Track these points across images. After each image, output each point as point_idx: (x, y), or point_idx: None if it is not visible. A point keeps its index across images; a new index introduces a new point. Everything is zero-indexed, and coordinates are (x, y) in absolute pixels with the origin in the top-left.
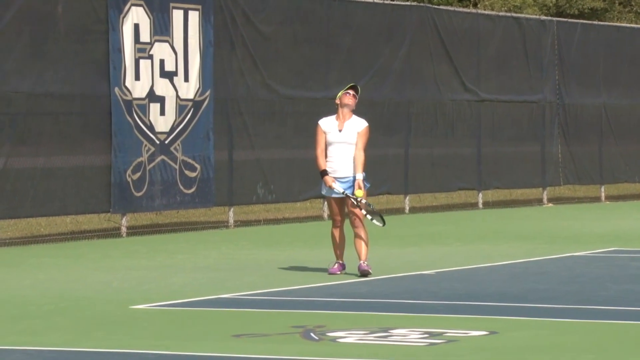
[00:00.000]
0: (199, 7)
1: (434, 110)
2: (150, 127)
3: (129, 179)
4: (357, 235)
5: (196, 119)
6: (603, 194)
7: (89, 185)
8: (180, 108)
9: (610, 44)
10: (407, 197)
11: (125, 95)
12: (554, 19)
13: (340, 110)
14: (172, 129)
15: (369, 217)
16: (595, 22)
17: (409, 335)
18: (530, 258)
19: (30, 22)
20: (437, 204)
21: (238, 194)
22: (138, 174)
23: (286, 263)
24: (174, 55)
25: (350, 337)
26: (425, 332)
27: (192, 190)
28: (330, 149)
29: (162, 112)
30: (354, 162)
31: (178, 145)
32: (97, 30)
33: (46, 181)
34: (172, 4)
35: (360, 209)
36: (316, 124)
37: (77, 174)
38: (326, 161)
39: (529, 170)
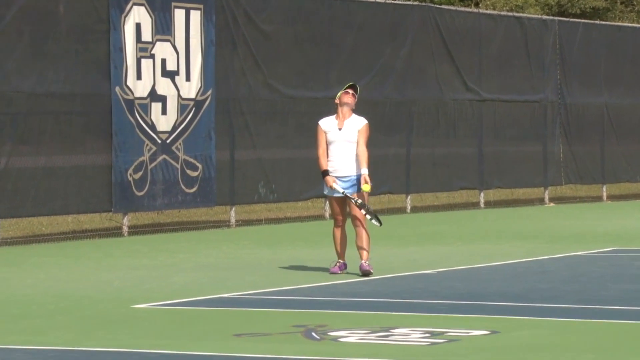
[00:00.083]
0: (201, 6)
1: (436, 110)
2: (152, 127)
3: (130, 179)
4: (358, 235)
5: (198, 118)
6: (605, 194)
7: (91, 185)
8: (182, 107)
9: (612, 44)
10: (409, 197)
11: (127, 94)
12: (556, 18)
13: (340, 109)
14: (174, 128)
15: (368, 217)
16: (597, 22)
17: (411, 335)
18: (531, 257)
19: (31, 21)
20: (438, 204)
21: (239, 193)
22: (140, 174)
23: (287, 262)
24: (175, 55)
25: (351, 337)
26: (427, 332)
27: (194, 189)
28: (331, 148)
29: (164, 112)
30: (358, 158)
31: (180, 144)
32: (98, 29)
33: (47, 180)
34: (173, 4)
35: (360, 209)
36: (317, 124)
37: (79, 174)
38: (328, 160)
39: (530, 170)
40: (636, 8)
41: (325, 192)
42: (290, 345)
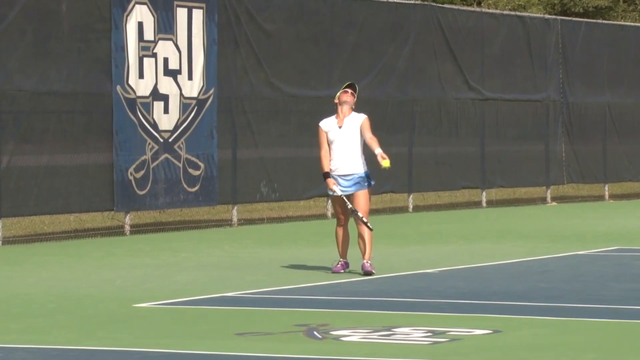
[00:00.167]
0: (203, 5)
1: (438, 109)
2: (154, 126)
3: (132, 177)
4: (360, 235)
5: (200, 117)
6: (607, 193)
7: (93, 184)
8: (184, 106)
9: (615, 43)
10: (411, 196)
11: (129, 93)
12: (558, 17)
13: (339, 108)
14: (176, 127)
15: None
16: (600, 21)
17: (413, 334)
18: (533, 257)
19: (33, 20)
20: (440, 203)
21: (242, 192)
22: (142, 172)
23: (289, 261)
24: (177, 54)
25: (353, 336)
26: (429, 331)
27: (196, 188)
28: (332, 147)
29: (166, 111)
30: (369, 144)
31: (182, 143)
32: (100, 28)
33: (49, 179)
34: (176, 2)
35: (352, 214)
36: (318, 126)
37: (81, 172)
38: (330, 160)
39: (532, 169)
40: (639, 7)
41: (329, 192)
42: (292, 344)
